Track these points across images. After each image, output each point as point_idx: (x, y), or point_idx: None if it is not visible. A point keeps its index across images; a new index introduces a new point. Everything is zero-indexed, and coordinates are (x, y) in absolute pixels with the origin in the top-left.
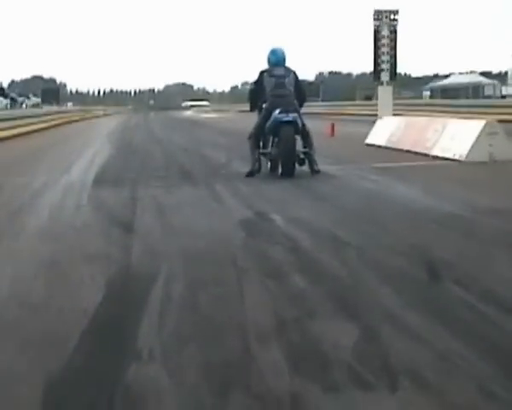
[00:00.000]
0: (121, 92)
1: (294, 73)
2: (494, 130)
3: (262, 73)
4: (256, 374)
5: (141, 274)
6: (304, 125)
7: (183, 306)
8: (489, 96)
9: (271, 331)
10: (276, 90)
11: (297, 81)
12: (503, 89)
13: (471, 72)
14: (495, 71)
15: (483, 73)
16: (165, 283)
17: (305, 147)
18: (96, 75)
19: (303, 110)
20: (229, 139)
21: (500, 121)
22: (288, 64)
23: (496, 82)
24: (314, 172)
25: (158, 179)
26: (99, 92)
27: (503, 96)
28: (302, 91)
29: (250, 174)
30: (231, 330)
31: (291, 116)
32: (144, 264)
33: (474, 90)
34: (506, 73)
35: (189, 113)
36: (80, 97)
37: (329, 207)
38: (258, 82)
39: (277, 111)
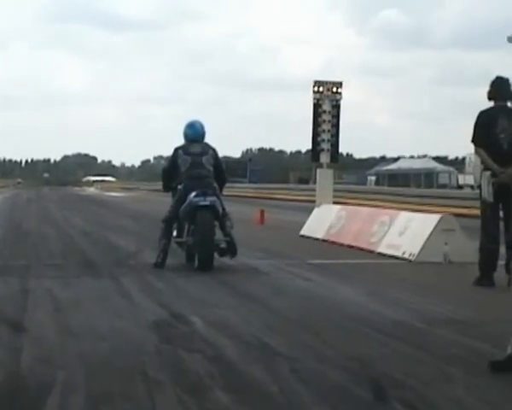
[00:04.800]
0: (9, 162)
1: (214, 150)
2: (450, 226)
3: (176, 150)
4: None
5: (32, 385)
6: (224, 210)
7: None
8: (444, 186)
9: None
10: (192, 171)
11: (217, 160)
12: (460, 177)
13: (423, 156)
14: (451, 156)
15: (437, 158)
16: (61, 396)
17: (225, 235)
18: None
19: (225, 192)
20: (139, 224)
21: (457, 215)
22: (207, 140)
23: (452, 169)
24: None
25: (53, 269)
26: None
27: (460, 187)
28: (222, 172)
29: (155, 265)
30: None
31: (209, 200)
32: (36, 372)
33: (427, 178)
34: (463, 159)
35: (91, 190)
36: None
37: (258, 309)
38: (172, 161)
39: (193, 194)
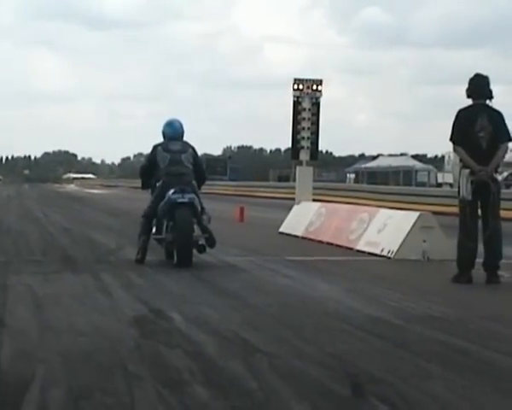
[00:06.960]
0: None
1: (193, 148)
2: (429, 223)
3: (156, 147)
4: None
5: (11, 380)
6: (203, 208)
7: None
8: (423, 184)
9: None
10: (171, 168)
11: (196, 158)
12: (439, 176)
13: (402, 154)
14: (430, 154)
15: (416, 156)
16: (41, 390)
17: (203, 231)
18: None
19: (205, 190)
20: (120, 220)
21: (435, 213)
22: (187, 137)
23: (431, 167)
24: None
25: (34, 265)
26: None
27: (439, 185)
28: (201, 170)
29: (135, 261)
30: None
31: (187, 197)
32: (16, 367)
33: (406, 176)
34: (443, 157)
35: (71, 187)
36: None
37: (237, 305)
38: (151, 158)
39: (172, 191)
